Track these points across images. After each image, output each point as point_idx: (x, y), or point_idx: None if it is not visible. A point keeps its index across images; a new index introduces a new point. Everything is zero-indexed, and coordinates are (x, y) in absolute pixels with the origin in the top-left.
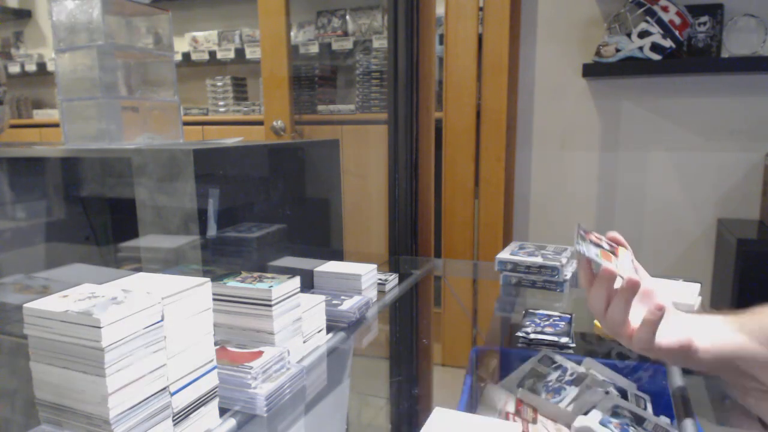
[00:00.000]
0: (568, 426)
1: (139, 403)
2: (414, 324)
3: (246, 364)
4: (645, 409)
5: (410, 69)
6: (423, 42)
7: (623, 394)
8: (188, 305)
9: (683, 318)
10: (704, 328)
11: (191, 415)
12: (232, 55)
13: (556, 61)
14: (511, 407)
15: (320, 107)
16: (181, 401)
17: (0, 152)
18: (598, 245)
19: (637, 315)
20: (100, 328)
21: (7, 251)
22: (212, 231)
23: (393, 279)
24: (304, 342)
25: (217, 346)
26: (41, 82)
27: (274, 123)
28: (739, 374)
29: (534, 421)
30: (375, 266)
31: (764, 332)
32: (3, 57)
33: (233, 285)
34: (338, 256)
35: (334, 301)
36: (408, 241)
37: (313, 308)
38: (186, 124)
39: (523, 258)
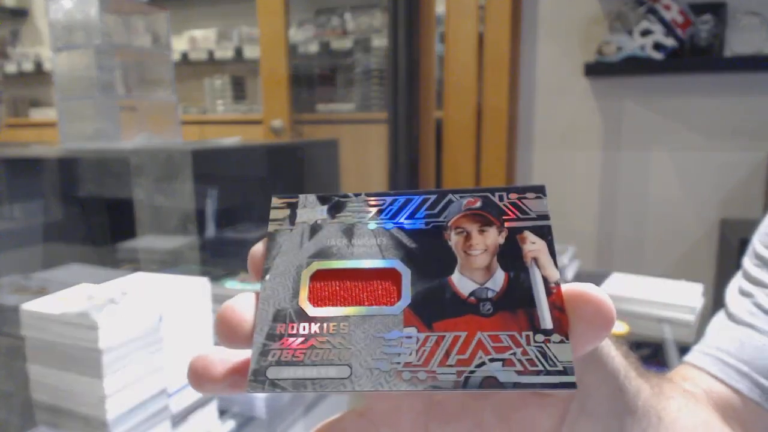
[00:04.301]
0: None
1: (138, 405)
2: None
3: None
4: None
5: (410, 68)
6: (423, 41)
7: None
8: (187, 306)
9: None
10: None
11: (190, 417)
12: (230, 54)
13: (558, 59)
14: None
15: (319, 106)
16: (179, 403)
17: None
18: None
19: None
20: (97, 329)
21: (3, 251)
22: (211, 231)
23: None
24: None
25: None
26: (38, 81)
27: (273, 122)
28: None
29: None
30: None
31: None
32: (0, 56)
33: (232, 286)
34: None
35: None
36: None
37: None
38: (184, 123)
39: None
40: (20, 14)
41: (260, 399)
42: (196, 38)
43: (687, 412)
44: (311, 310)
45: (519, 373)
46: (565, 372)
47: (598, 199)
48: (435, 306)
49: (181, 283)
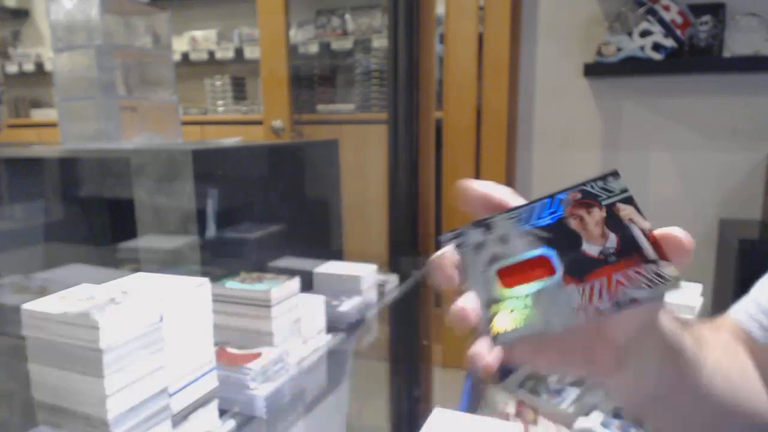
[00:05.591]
0: (569, 427)
1: (138, 404)
2: (414, 325)
3: (245, 365)
4: None
5: (410, 68)
6: (423, 41)
7: None
8: (187, 306)
9: None
10: None
11: (190, 417)
12: (231, 54)
13: (557, 60)
14: (511, 409)
15: (320, 107)
16: (180, 402)
17: None
18: None
19: None
20: (98, 329)
21: (4, 252)
22: (211, 231)
23: (393, 280)
24: (304, 343)
25: (216, 347)
26: (39, 81)
27: (274, 123)
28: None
29: (535, 422)
30: (375, 267)
31: None
32: (1, 57)
33: (232, 286)
34: (338, 256)
35: (334, 302)
36: (408, 242)
37: (312, 309)
38: (185, 123)
39: None
40: (21, 15)
41: (260, 399)
42: (197, 39)
43: (726, 360)
44: (507, 293)
45: (648, 288)
46: (677, 279)
47: None
48: (580, 268)
49: (181, 283)
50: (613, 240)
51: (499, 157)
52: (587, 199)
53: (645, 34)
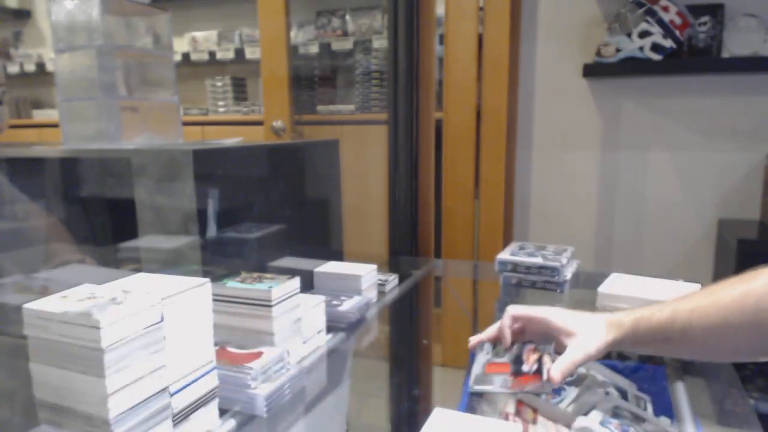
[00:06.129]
0: (569, 427)
1: (139, 403)
2: (414, 324)
3: (246, 364)
4: (645, 409)
5: (410, 69)
6: (423, 42)
7: (623, 394)
8: (188, 306)
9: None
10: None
11: (191, 416)
12: (231, 55)
13: (557, 61)
14: (511, 408)
15: (320, 107)
16: (181, 402)
17: None
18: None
19: None
20: (99, 328)
21: (6, 251)
22: (212, 231)
23: (393, 279)
24: (304, 343)
25: (217, 347)
26: (40, 82)
27: (274, 123)
28: None
29: (534, 422)
30: (375, 267)
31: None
32: (2, 57)
33: (233, 285)
34: (338, 256)
35: (334, 302)
36: (408, 242)
37: (312, 309)
38: (185, 124)
39: (523, 258)
40: (23, 15)
41: (261, 398)
42: (198, 39)
43: (742, 298)
44: (486, 374)
45: (540, 388)
46: (550, 388)
47: (597, 199)
48: (517, 373)
49: (182, 283)
50: (534, 366)
51: (499, 157)
52: (535, 348)
53: (644, 34)
